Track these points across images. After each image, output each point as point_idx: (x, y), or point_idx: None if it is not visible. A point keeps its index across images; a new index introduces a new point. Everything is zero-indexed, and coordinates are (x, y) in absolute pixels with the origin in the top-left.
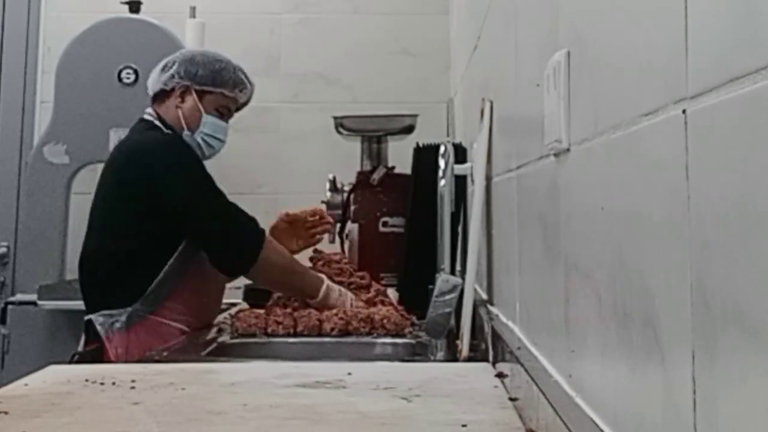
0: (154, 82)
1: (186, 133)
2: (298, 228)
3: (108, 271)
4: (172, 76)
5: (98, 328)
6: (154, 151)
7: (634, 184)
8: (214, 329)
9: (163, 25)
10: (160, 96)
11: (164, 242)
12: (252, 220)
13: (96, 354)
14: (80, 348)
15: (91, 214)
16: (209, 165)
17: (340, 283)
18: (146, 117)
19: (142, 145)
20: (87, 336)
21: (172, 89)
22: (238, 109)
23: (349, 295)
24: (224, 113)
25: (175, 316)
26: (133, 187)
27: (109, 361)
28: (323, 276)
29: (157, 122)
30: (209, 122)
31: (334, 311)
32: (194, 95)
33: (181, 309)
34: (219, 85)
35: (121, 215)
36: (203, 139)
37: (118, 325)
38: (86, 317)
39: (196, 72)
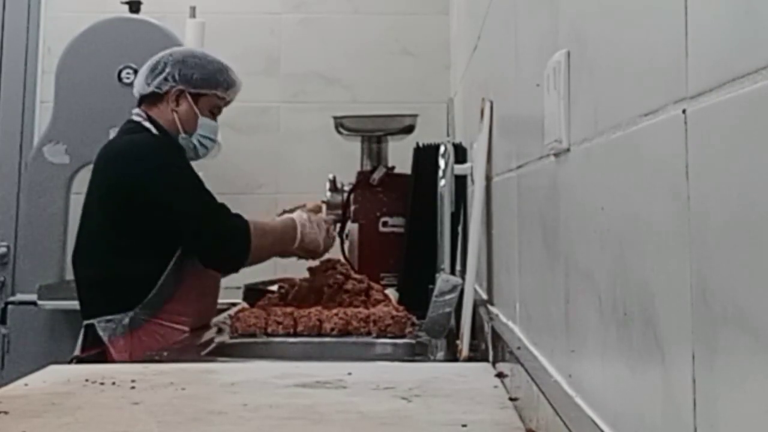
0: (142, 84)
1: (183, 136)
2: None
3: (105, 275)
4: (166, 80)
5: (101, 333)
6: (143, 154)
7: (634, 184)
8: (214, 329)
9: (163, 25)
10: (151, 98)
11: (160, 243)
12: (237, 217)
13: (97, 359)
14: (77, 352)
15: (83, 218)
16: (209, 165)
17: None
18: (135, 118)
19: (131, 147)
20: (85, 341)
21: (166, 92)
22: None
23: (321, 220)
24: (215, 113)
25: (176, 318)
26: (123, 189)
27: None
28: (291, 217)
29: (146, 123)
30: (205, 124)
31: (334, 311)
32: (189, 99)
33: (181, 310)
34: (213, 87)
35: (114, 219)
36: (199, 141)
37: (120, 329)
38: (85, 322)
39: (191, 76)
